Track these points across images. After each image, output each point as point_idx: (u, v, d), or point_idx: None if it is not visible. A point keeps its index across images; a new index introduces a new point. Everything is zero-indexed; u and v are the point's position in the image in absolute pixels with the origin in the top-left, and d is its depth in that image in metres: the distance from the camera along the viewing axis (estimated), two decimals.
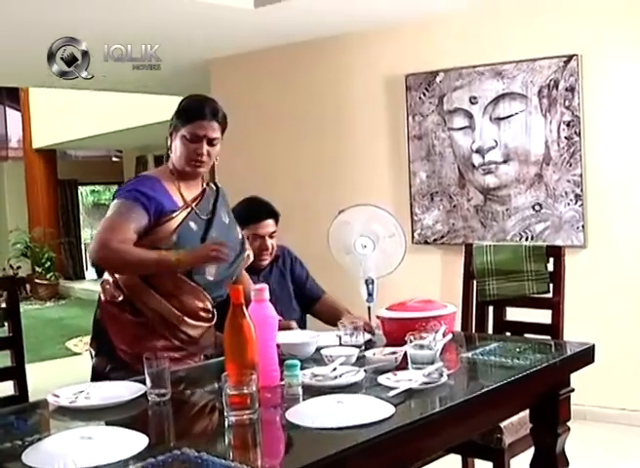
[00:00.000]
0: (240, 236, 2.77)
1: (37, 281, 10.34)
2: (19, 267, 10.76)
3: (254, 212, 3.17)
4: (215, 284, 2.59)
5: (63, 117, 10.04)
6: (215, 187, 2.74)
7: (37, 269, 10.47)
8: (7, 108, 14.24)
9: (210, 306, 2.63)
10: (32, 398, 2.61)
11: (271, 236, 3.17)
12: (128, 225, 2.43)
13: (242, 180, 5.62)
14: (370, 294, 4.48)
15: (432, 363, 2.19)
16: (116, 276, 2.55)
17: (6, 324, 2.65)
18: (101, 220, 2.50)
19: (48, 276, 11.04)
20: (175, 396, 2.05)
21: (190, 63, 5.84)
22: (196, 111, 2.52)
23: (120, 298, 2.53)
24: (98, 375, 2.53)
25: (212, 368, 2.48)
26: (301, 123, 5.34)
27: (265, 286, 2.18)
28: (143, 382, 2.06)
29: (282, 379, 2.07)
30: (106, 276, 2.60)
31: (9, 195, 12.68)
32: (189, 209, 2.56)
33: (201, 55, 5.57)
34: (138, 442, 1.66)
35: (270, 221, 3.18)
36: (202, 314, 2.61)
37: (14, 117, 13.55)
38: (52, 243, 11.30)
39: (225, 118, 2.60)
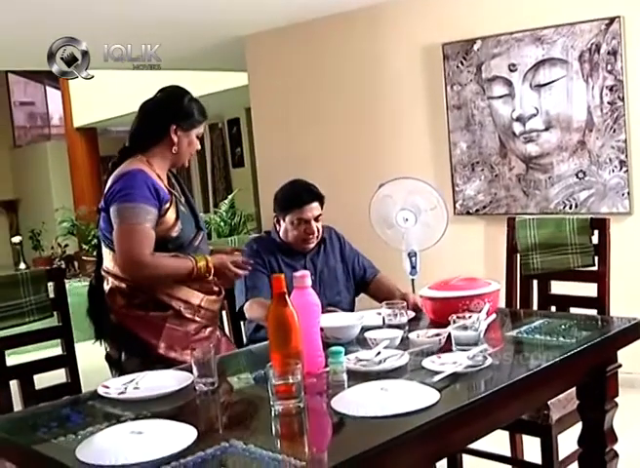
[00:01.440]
0: None
1: (84, 258, 10.45)
2: (66, 245, 10.90)
3: (297, 195, 3.14)
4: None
5: (103, 95, 10.10)
6: (170, 173, 2.79)
7: (84, 246, 10.60)
8: (47, 87, 14.39)
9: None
10: (84, 378, 2.70)
11: (317, 219, 3.13)
12: (147, 228, 2.51)
13: (280, 157, 5.65)
14: (413, 267, 4.49)
15: (477, 344, 2.20)
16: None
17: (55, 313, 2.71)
18: (118, 229, 2.52)
19: (95, 253, 11.18)
20: (221, 384, 2.08)
21: (225, 39, 5.82)
22: (202, 113, 2.70)
23: (137, 300, 2.59)
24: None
25: (257, 353, 2.52)
26: (338, 96, 5.30)
27: (307, 272, 2.18)
28: (190, 370, 2.09)
29: (327, 364, 2.08)
30: (115, 284, 2.61)
31: (53, 174, 12.85)
32: (173, 195, 2.65)
33: (236, 31, 5.55)
34: (186, 435, 1.70)
35: (315, 204, 3.13)
36: (215, 288, 2.74)
37: (54, 96, 13.69)
38: (97, 220, 11.44)
39: None
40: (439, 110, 4.76)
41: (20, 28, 4.77)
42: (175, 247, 2.60)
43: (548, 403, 2.54)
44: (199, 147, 2.74)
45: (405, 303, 2.60)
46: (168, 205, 2.59)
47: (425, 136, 4.90)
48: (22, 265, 11.44)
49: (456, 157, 4.73)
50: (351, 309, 3.24)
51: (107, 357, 2.69)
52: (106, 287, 2.65)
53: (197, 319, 2.66)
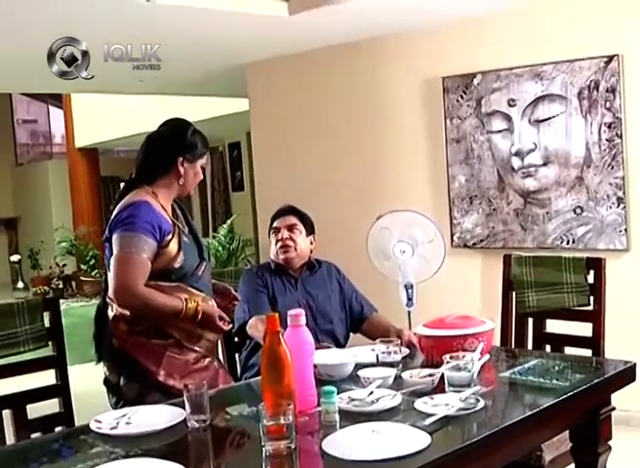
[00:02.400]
0: None
1: (82, 278, 10.47)
2: (64, 265, 10.90)
3: (274, 213, 3.36)
4: (208, 287, 2.78)
5: (105, 116, 10.16)
6: (175, 203, 2.85)
7: (82, 267, 10.62)
8: (50, 107, 14.46)
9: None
10: (78, 402, 2.71)
11: (291, 229, 3.25)
12: (144, 259, 2.54)
13: (280, 186, 5.67)
14: (409, 299, 4.50)
15: (469, 385, 2.20)
16: None
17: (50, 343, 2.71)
18: (116, 255, 2.56)
19: (93, 273, 11.18)
20: (214, 419, 2.08)
21: (226, 67, 5.86)
22: (206, 144, 2.77)
23: (139, 327, 2.62)
24: (128, 401, 2.58)
25: (252, 388, 2.52)
26: (338, 126, 5.33)
27: (302, 311, 2.19)
28: (183, 406, 2.09)
29: (319, 403, 2.08)
30: (119, 311, 2.64)
31: (54, 193, 12.87)
32: (176, 226, 2.69)
33: (237, 59, 5.59)
34: None
35: (290, 217, 3.30)
36: None
37: (57, 115, 13.76)
38: (96, 241, 11.44)
39: None
40: (438, 143, 4.79)
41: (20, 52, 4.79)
42: (178, 277, 2.63)
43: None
44: (202, 177, 2.80)
45: (399, 341, 2.60)
46: (170, 236, 2.62)
47: (424, 168, 4.92)
48: (20, 284, 11.42)
49: (454, 190, 4.75)
50: (345, 340, 3.26)
51: (106, 381, 2.70)
52: (111, 313, 2.68)
53: (197, 349, 2.69)
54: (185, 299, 2.60)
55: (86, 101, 10.53)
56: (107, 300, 2.69)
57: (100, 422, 2.10)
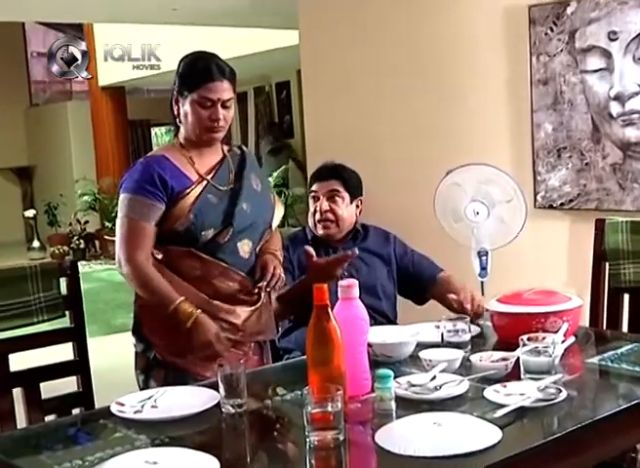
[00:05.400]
0: (272, 200, 2.89)
1: (107, 237, 10.63)
2: (86, 222, 11.10)
3: (315, 171, 3.40)
4: (248, 261, 2.73)
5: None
6: (239, 151, 2.84)
7: (107, 224, 10.79)
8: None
9: (251, 286, 2.74)
10: (97, 379, 2.76)
11: (332, 198, 3.25)
12: (148, 224, 2.59)
13: (333, 133, 5.66)
14: (483, 268, 4.47)
15: (550, 372, 2.19)
16: None
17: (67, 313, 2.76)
18: (118, 221, 2.65)
19: None
20: (251, 405, 2.11)
21: None
22: (203, 73, 2.62)
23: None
24: (140, 370, 2.73)
25: (293, 370, 2.54)
26: (402, 64, 5.27)
27: (355, 282, 2.21)
28: (216, 388, 2.12)
29: (373, 388, 2.10)
30: None
31: (74, 139, 13.03)
32: (205, 182, 2.68)
33: None
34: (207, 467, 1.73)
35: (329, 182, 3.29)
36: (242, 297, 2.72)
37: None
38: None
39: (235, 75, 2.70)
40: (521, 85, 4.70)
41: None
42: (186, 241, 2.62)
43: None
44: (216, 115, 2.62)
45: (468, 318, 2.59)
46: (188, 191, 2.64)
47: (503, 114, 4.85)
48: (36, 243, 11.67)
49: (539, 141, 4.68)
50: (394, 318, 3.31)
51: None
52: None
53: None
54: (183, 300, 2.56)
55: (111, 33, 10.61)
56: None
57: (122, 405, 2.15)
